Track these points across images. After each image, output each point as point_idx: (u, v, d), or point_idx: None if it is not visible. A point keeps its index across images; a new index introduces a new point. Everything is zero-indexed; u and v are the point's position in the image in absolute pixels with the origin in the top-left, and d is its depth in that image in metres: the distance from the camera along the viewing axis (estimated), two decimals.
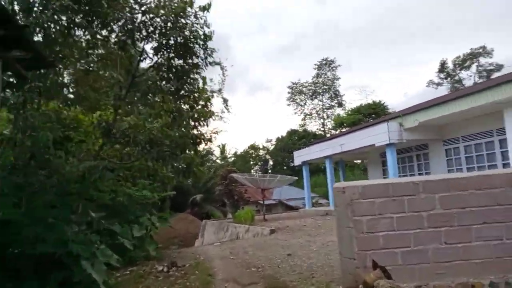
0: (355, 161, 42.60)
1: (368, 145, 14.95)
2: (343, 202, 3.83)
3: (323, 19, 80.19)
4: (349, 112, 48.95)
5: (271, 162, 46.48)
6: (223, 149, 48.13)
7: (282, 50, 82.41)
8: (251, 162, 52.13)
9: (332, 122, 56.43)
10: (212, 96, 7.98)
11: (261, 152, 54.59)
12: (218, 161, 45.01)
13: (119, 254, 7.49)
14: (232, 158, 48.93)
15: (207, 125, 7.06)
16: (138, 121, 5.95)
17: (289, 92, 59.17)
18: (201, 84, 6.86)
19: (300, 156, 19.88)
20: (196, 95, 6.47)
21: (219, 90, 36.74)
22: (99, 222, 5.97)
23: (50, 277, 5.29)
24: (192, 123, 6.88)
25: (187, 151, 6.52)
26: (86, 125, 6.46)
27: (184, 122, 6.10)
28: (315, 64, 58.10)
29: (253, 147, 54.06)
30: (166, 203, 31.75)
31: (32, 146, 4.78)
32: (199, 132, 6.88)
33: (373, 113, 45.22)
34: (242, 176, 16.85)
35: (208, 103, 7.17)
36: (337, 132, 47.03)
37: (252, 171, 46.57)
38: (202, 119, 6.80)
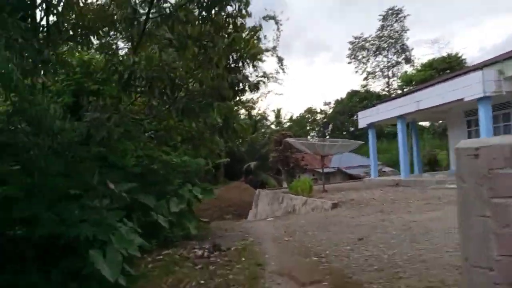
0: (421, 124, 39.11)
1: (453, 100, 12.55)
2: (474, 173, 2.22)
3: None
4: (419, 68, 44.45)
5: (330, 126, 44.15)
6: (278, 114, 46.62)
7: (341, 3, 76.92)
8: (308, 127, 50.10)
9: (399, 80, 52.07)
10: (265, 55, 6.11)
11: (319, 116, 52.21)
12: (272, 126, 43.68)
13: (153, 234, 6.49)
14: (288, 124, 47.30)
15: (253, 65, 5.44)
16: (149, 54, 4.50)
17: (350, 49, 55.34)
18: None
19: (366, 117, 17.78)
20: (238, 20, 4.66)
21: (274, 48, 34.24)
22: (120, 196, 4.83)
23: (56, 267, 4.31)
24: (232, 60, 5.27)
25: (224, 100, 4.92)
26: (99, 68, 5.19)
27: (219, 57, 4.45)
28: (380, 15, 53.28)
29: (310, 111, 51.74)
30: (220, 171, 31.34)
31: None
32: (242, 74, 5.28)
33: (447, 68, 40.53)
34: (298, 141, 15.30)
35: (255, 38, 5.43)
36: (406, 90, 43.10)
37: (309, 137, 44.68)
38: (245, 54, 5.16)
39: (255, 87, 5.50)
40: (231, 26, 4.52)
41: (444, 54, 43.59)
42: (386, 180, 16.47)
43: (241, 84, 5.26)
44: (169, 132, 6.17)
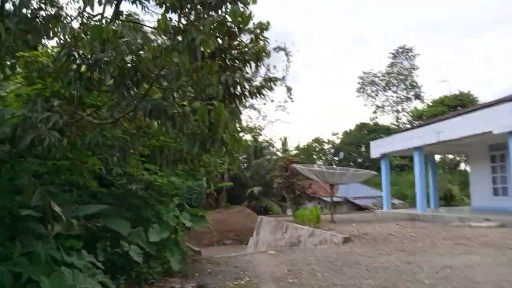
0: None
1: (479, 133, 11.13)
2: None
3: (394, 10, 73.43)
4: (430, 104, 43.25)
5: (342, 154, 42.50)
6: (284, 142, 45.35)
7: (352, 43, 77.09)
8: (315, 156, 48.60)
9: (409, 115, 50.80)
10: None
11: (326, 146, 50.83)
12: (278, 153, 42.23)
13: (123, 269, 5.07)
14: (294, 151, 45.90)
15: (256, 66, 4.05)
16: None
17: (359, 83, 54.49)
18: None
19: (379, 147, 16.37)
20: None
21: (283, 78, 33.42)
22: (69, 221, 3.45)
23: None
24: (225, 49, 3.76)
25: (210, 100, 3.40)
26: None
27: (205, 38, 3.00)
28: (390, 53, 52.68)
29: (318, 140, 50.39)
30: (223, 195, 29.90)
31: None
32: (241, 73, 3.86)
33: (459, 105, 39.26)
34: (306, 167, 13.91)
35: (261, 36, 4.06)
36: (424, 122, 41.72)
37: (315, 165, 42.99)
38: (245, 49, 3.75)
39: (258, 91, 4.02)
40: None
41: (456, 92, 42.48)
42: (400, 213, 14.85)
43: (239, 87, 3.79)
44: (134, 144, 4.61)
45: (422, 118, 41.45)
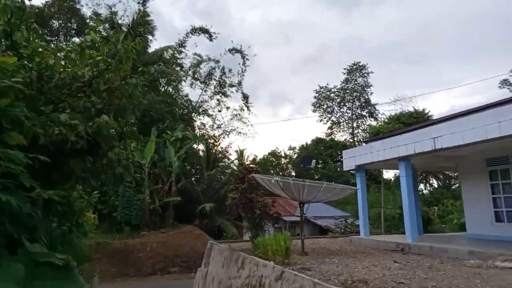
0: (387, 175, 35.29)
1: (499, 137, 8.10)
2: None
3: (349, 33, 73.93)
4: (386, 121, 41.81)
5: (313, 162, 39.31)
6: (241, 154, 41.64)
7: (305, 62, 76.16)
8: (271, 171, 45.30)
9: (365, 132, 49.35)
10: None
11: (283, 161, 47.76)
12: (234, 166, 38.42)
13: None
14: (250, 165, 42.25)
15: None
16: None
17: (315, 97, 52.58)
18: None
19: (354, 158, 13.11)
20: None
21: (239, 83, 29.74)
22: None
23: None
24: None
25: None
26: None
27: None
28: (344, 69, 51.48)
29: (275, 154, 47.28)
30: (169, 212, 25.36)
31: None
32: None
33: (415, 123, 38.03)
34: (270, 178, 10.24)
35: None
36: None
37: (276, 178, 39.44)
38: None
39: None
40: None
41: (410, 109, 41.43)
42: (383, 242, 11.50)
43: None
44: None
45: (378, 135, 39.87)
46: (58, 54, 5.23)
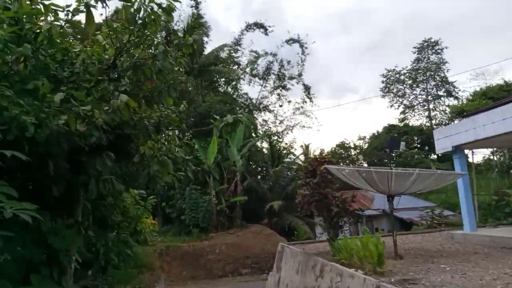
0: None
1: None
2: None
3: (413, 12, 67.67)
4: (470, 98, 36.85)
5: (402, 144, 35.99)
6: (306, 148, 39.67)
7: (367, 49, 71.43)
8: (341, 164, 42.67)
9: (443, 113, 44.37)
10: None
11: (353, 152, 44.75)
12: (299, 161, 36.60)
13: None
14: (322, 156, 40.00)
15: None
16: None
17: (383, 81, 48.49)
18: None
19: (449, 137, 10.69)
20: None
21: (299, 75, 27.58)
22: None
23: None
24: None
25: None
26: None
27: None
28: (414, 47, 46.66)
29: (343, 145, 44.44)
30: (237, 212, 24.46)
31: None
32: None
33: (506, 97, 32.82)
34: (348, 169, 8.41)
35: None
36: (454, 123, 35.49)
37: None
38: None
39: None
40: None
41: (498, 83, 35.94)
42: (499, 238, 9.02)
43: None
44: None
45: (463, 114, 35.15)
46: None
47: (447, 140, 10.76)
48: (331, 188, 9.39)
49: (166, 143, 5.98)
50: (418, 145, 44.59)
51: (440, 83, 46.21)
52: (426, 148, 43.14)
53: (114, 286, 6.10)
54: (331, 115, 71.24)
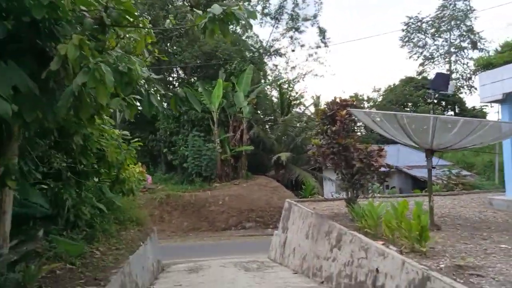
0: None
1: None
2: None
3: None
4: (499, 50, 33.51)
5: (451, 84, 33.28)
6: (317, 100, 37.40)
7: None
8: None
9: (464, 67, 41.16)
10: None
11: (366, 105, 42.35)
12: (309, 113, 34.56)
13: None
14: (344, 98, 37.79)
15: None
16: None
17: (403, 30, 44.60)
18: None
19: (500, 82, 8.59)
20: None
21: (314, 16, 23.86)
22: None
23: None
24: None
25: None
26: None
27: None
28: None
29: (357, 98, 41.92)
30: (242, 162, 22.96)
31: None
32: None
33: None
34: (380, 113, 6.54)
35: None
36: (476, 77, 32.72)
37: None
38: None
39: None
40: None
41: None
42: None
43: None
44: None
45: (490, 67, 32.16)
46: None
47: (497, 86, 8.66)
48: (353, 138, 7.56)
49: (118, 47, 4.09)
50: (435, 101, 41.95)
51: (465, 33, 42.33)
52: (443, 103, 40.55)
53: (63, 255, 4.58)
54: (345, 64, 67.34)
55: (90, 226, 6.75)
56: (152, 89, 4.20)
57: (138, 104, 4.58)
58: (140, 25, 4.46)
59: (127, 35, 5.00)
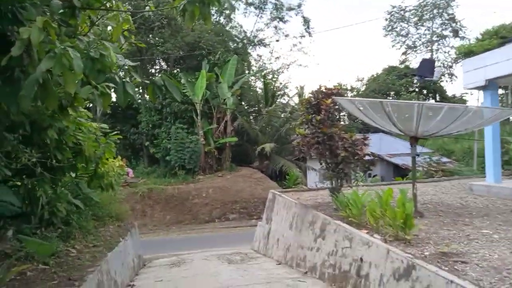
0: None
1: None
2: None
3: None
4: (479, 38, 34.09)
5: (436, 70, 33.23)
6: (301, 90, 37.36)
7: None
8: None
9: (445, 55, 41.81)
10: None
11: (350, 94, 42.59)
12: (292, 103, 34.44)
13: None
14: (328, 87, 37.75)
15: None
16: None
17: (387, 19, 44.85)
18: None
19: (483, 69, 8.65)
20: None
21: (299, 6, 23.64)
22: None
23: None
24: None
25: None
26: None
27: None
28: None
29: (340, 87, 42.21)
30: (226, 153, 22.76)
31: None
32: None
33: None
34: (366, 101, 6.44)
35: None
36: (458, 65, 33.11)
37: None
38: None
39: None
40: None
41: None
42: None
43: None
44: None
45: (471, 55, 32.65)
46: None
47: (479, 73, 8.72)
48: (338, 127, 7.50)
49: (91, 33, 3.86)
50: (416, 89, 42.58)
51: (447, 21, 42.88)
52: (424, 92, 41.18)
53: (35, 255, 4.36)
54: (328, 54, 67.35)
55: (66, 224, 6.51)
56: (128, 78, 3.97)
57: (113, 93, 4.36)
58: (114, 8, 4.22)
59: (103, 21, 4.74)
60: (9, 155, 5.11)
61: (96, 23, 4.62)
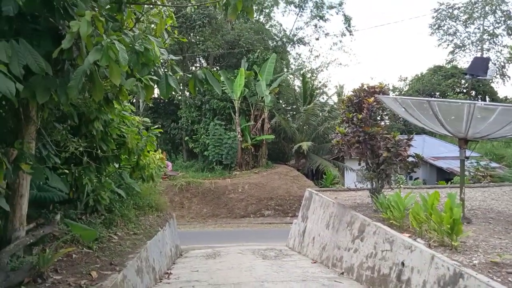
0: None
1: None
2: None
3: None
4: None
5: (491, 67, 31.75)
6: (340, 90, 36.52)
7: None
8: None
9: (497, 54, 39.15)
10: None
11: (391, 94, 41.14)
12: (331, 102, 33.71)
13: None
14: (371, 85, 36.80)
15: None
16: None
17: (433, 17, 42.72)
18: None
19: None
20: None
21: (340, 4, 23.04)
22: None
23: None
24: None
25: None
26: None
27: None
28: None
29: (381, 87, 40.81)
30: (263, 151, 22.72)
31: None
32: None
33: None
34: (413, 100, 6.13)
35: None
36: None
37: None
38: None
39: None
40: None
41: None
42: None
43: None
44: None
45: None
46: None
47: None
48: (380, 127, 7.20)
49: (136, 27, 3.92)
50: (464, 90, 40.26)
51: (501, 19, 40.10)
52: (473, 93, 38.85)
53: (80, 239, 4.54)
54: (370, 53, 65.38)
55: (109, 211, 6.76)
56: (170, 71, 4.03)
57: (155, 85, 4.44)
58: (159, 2, 4.28)
59: (148, 17, 4.85)
60: (59, 145, 5.36)
61: (141, 19, 4.73)
